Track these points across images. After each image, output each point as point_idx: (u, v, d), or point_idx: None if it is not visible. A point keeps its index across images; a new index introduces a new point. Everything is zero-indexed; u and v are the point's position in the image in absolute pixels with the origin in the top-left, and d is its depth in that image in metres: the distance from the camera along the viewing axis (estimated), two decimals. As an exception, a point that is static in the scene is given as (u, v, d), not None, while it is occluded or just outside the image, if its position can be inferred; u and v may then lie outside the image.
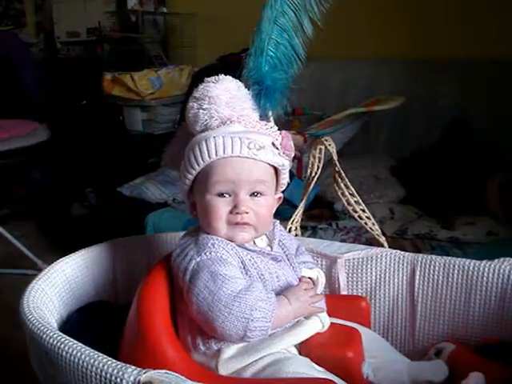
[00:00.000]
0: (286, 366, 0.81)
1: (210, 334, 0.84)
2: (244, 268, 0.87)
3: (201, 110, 0.89)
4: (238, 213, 0.86)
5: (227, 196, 0.87)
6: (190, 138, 0.91)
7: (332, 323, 0.90)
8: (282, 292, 0.87)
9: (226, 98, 0.89)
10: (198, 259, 0.85)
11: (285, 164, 0.92)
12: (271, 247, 0.93)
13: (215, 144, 0.86)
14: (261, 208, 0.88)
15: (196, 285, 0.82)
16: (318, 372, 0.83)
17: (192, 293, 0.82)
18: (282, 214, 1.22)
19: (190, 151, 0.89)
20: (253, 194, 0.88)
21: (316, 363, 0.84)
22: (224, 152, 0.85)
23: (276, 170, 0.91)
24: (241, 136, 0.87)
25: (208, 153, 0.86)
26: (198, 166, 0.87)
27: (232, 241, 0.87)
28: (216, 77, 0.91)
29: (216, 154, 0.85)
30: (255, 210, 0.87)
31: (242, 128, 0.89)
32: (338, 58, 2.66)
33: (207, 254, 0.85)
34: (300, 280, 0.93)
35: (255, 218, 0.88)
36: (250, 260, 0.87)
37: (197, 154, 0.87)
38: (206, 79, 0.91)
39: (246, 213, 0.86)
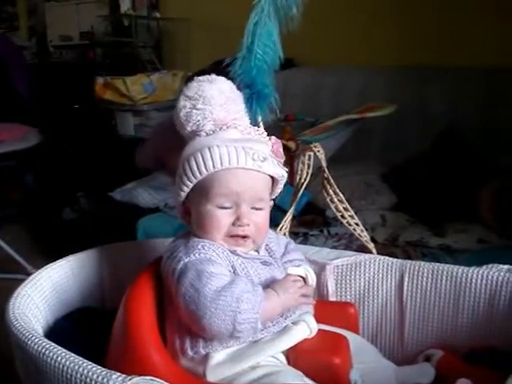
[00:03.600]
0: (278, 378, 0.80)
1: (198, 338, 0.83)
2: (234, 272, 0.86)
3: (194, 110, 0.87)
4: (240, 225, 0.86)
5: (228, 207, 0.86)
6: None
7: (320, 329, 0.89)
8: (270, 285, 0.87)
9: (220, 100, 0.88)
10: (187, 260, 0.84)
11: (284, 175, 0.91)
12: (258, 252, 0.93)
13: (219, 153, 0.84)
14: (261, 220, 0.88)
15: (183, 284, 0.81)
16: None
17: (179, 292, 0.81)
18: (274, 219, 1.22)
19: (191, 158, 0.86)
20: (253, 207, 0.87)
21: (303, 370, 0.84)
22: (229, 163, 0.84)
23: (273, 179, 0.91)
24: (243, 145, 0.85)
25: (213, 162, 0.84)
26: (201, 174, 0.85)
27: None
28: (209, 76, 0.90)
29: (221, 164, 0.84)
30: (255, 222, 0.87)
31: (238, 134, 0.88)
32: (331, 65, 2.67)
33: (196, 255, 0.84)
34: None
35: (255, 229, 0.88)
36: (240, 265, 0.87)
37: (199, 162, 0.85)
38: (198, 78, 0.90)
39: (248, 225, 0.86)
